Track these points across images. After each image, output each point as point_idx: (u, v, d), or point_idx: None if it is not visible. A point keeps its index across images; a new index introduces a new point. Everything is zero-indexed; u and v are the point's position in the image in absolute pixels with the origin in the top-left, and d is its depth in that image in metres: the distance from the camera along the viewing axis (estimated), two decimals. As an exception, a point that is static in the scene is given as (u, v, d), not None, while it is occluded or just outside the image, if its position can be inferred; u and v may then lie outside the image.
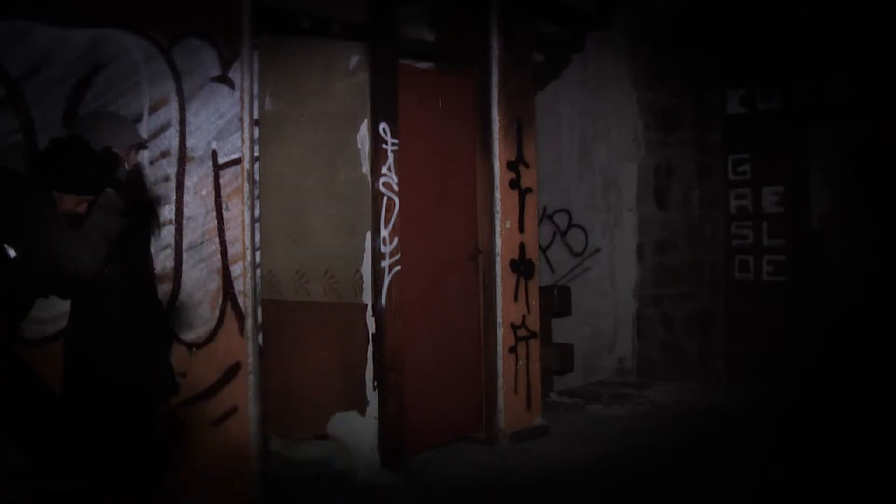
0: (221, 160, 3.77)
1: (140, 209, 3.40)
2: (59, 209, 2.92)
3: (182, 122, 3.65)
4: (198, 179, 3.69)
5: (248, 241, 3.84)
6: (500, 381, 5.03)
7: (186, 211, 3.66)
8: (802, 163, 6.67)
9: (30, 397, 3.09)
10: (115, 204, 2.99)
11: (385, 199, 4.47)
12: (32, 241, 2.87)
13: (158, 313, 3.45)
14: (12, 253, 2.85)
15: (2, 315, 3.00)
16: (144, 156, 3.53)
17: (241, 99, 3.82)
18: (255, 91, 3.92)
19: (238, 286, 3.80)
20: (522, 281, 5.17)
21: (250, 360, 3.83)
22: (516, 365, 5.11)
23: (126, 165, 3.25)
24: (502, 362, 5.03)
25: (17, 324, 3.12)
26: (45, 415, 3.11)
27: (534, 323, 5.25)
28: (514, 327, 5.11)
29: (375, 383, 4.45)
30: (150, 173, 3.57)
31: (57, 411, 3.13)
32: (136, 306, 3.27)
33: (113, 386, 3.19)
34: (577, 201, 7.02)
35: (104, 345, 3.18)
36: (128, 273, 3.26)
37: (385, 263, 4.46)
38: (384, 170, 4.46)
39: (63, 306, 3.37)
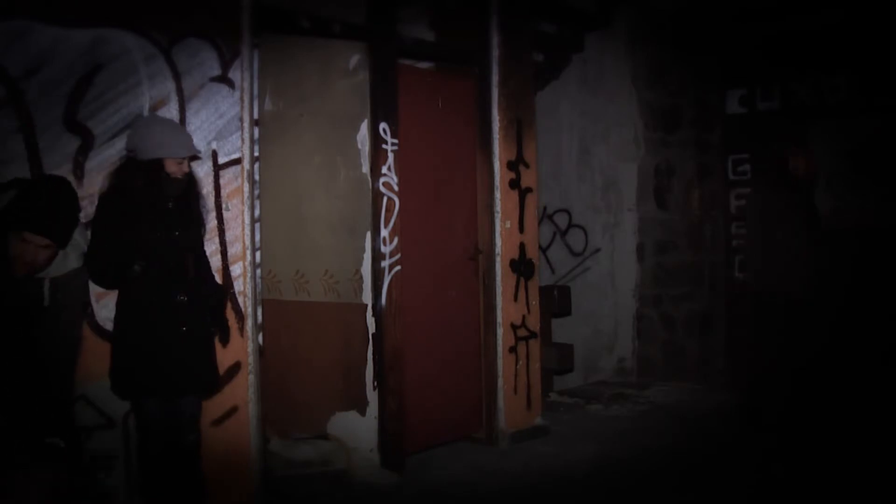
0: (221, 160, 3.77)
1: (193, 218, 3.47)
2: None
3: (182, 122, 3.65)
4: (198, 179, 3.68)
5: (248, 241, 3.84)
6: (500, 381, 5.03)
7: (186, 211, 3.66)
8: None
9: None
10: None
11: (385, 199, 4.47)
12: None
13: (200, 307, 3.48)
14: None
15: None
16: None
17: (241, 99, 3.82)
18: (255, 91, 3.92)
19: (238, 286, 3.80)
20: (522, 281, 5.17)
21: (250, 360, 3.83)
22: (516, 365, 5.11)
23: (179, 174, 3.33)
24: (502, 362, 5.03)
25: None
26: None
27: (534, 323, 5.25)
28: (514, 327, 5.11)
29: (375, 383, 4.45)
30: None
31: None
32: (180, 300, 3.35)
33: (155, 378, 3.28)
34: (577, 201, 7.02)
35: (148, 337, 3.28)
36: (172, 270, 3.34)
37: (385, 263, 4.46)
38: (384, 170, 4.46)
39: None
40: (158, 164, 3.29)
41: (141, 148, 3.29)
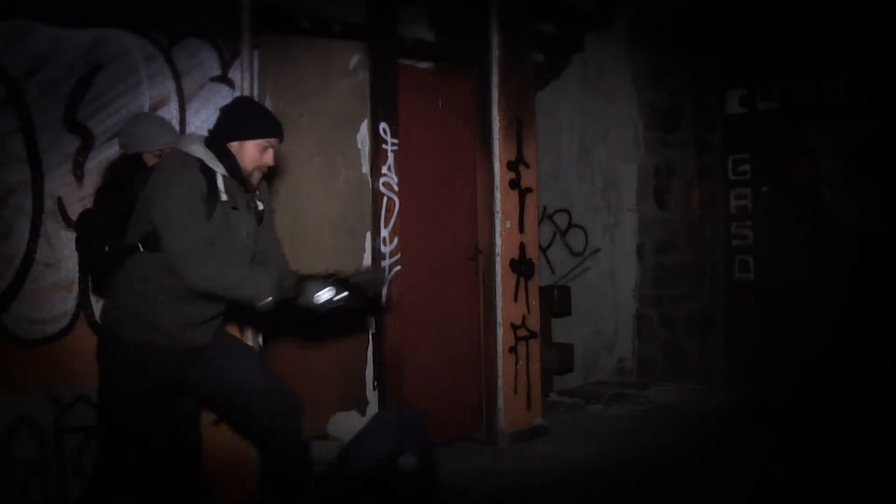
0: (221, 160, 3.76)
1: None
2: None
3: (182, 122, 3.65)
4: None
5: (248, 241, 3.83)
6: (500, 381, 5.02)
7: (186, 211, 3.65)
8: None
9: None
10: None
11: (385, 199, 4.47)
12: None
13: None
14: None
15: None
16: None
17: (242, 99, 3.82)
18: (256, 91, 3.92)
19: (238, 286, 3.79)
20: (522, 281, 5.17)
21: (250, 360, 3.82)
22: (516, 365, 5.11)
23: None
24: (502, 362, 5.03)
25: None
26: None
27: (534, 323, 5.25)
28: (514, 327, 5.11)
29: (375, 383, 4.45)
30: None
31: None
32: None
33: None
34: (577, 201, 7.02)
35: None
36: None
37: (385, 263, 4.46)
38: (384, 170, 4.46)
39: (63, 307, 3.38)
40: (139, 157, 3.31)
41: (125, 143, 3.35)
